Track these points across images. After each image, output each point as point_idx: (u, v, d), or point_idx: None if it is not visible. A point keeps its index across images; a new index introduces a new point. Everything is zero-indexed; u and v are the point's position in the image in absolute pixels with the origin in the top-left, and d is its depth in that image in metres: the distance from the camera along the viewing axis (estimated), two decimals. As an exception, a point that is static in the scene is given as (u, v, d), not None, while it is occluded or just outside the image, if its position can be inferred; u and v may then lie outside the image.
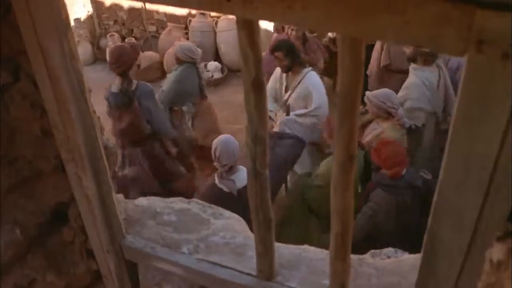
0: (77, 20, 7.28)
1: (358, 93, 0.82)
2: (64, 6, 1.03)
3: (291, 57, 3.97)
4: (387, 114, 3.64)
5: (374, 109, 3.68)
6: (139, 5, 7.28)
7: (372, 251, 1.35)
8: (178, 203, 1.59)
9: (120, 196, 1.57)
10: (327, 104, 4.08)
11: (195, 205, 1.58)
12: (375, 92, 3.74)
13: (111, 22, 7.87)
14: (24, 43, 1.10)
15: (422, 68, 3.88)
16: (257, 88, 0.95)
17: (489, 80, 0.65)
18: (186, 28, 7.11)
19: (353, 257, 1.27)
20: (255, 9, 0.76)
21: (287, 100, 4.11)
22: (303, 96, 4.02)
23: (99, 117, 1.31)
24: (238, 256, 1.36)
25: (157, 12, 7.41)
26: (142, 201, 1.60)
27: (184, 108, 4.51)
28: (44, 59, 1.10)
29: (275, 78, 4.22)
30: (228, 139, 3.22)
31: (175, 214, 1.53)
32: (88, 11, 7.69)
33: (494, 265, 0.78)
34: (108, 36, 7.24)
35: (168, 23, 7.28)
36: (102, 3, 7.77)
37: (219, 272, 1.32)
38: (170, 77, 4.56)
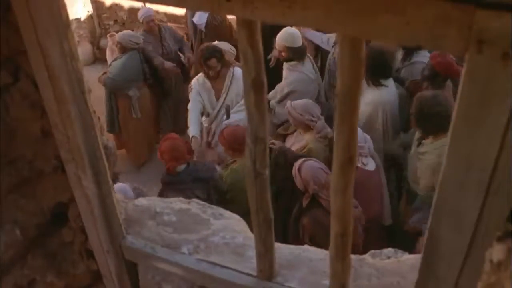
0: (77, 20, 7.27)
1: (358, 93, 0.82)
2: (64, 6, 1.03)
3: (222, 61, 4.03)
4: (307, 127, 3.58)
5: (293, 120, 3.62)
6: (139, 5, 7.26)
7: (372, 251, 1.35)
8: (178, 203, 1.59)
9: (120, 196, 1.57)
10: None
11: (195, 205, 1.58)
12: (295, 102, 3.65)
13: (111, 22, 7.85)
14: (24, 43, 1.10)
15: (302, 63, 4.16)
16: (257, 88, 0.95)
17: (489, 80, 0.65)
18: (186, 28, 7.10)
19: (353, 257, 1.26)
20: (255, 9, 0.76)
21: (223, 102, 4.10)
22: (239, 93, 4.03)
23: (99, 117, 1.31)
24: (238, 256, 1.36)
25: (157, 12, 7.40)
26: (142, 201, 1.60)
27: (130, 92, 4.87)
28: (44, 59, 1.09)
29: (197, 92, 4.17)
30: (121, 188, 3.03)
31: (175, 214, 1.53)
32: (88, 11, 7.68)
33: (494, 265, 0.77)
34: (108, 36, 7.22)
35: (168, 23, 7.27)
36: (102, 3, 7.75)
37: (219, 272, 1.31)
38: (117, 64, 4.88)
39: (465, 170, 0.76)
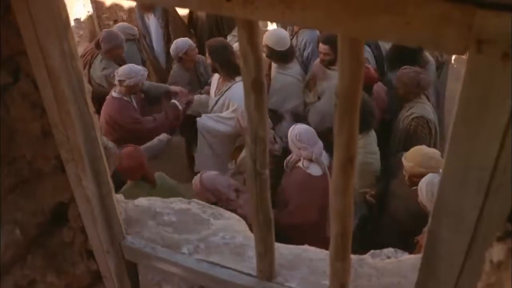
0: (77, 20, 7.26)
1: (358, 93, 0.82)
2: (64, 6, 1.03)
3: (218, 61, 3.76)
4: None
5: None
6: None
7: (372, 251, 1.35)
8: (178, 203, 1.59)
9: (120, 196, 1.57)
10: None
11: (195, 205, 1.58)
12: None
13: (111, 22, 7.84)
14: (24, 43, 1.10)
15: (289, 66, 4.00)
16: (257, 88, 0.95)
17: (489, 80, 0.65)
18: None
19: (353, 257, 1.26)
20: (255, 9, 0.76)
21: (214, 104, 3.94)
22: (226, 105, 3.82)
23: (98, 117, 1.31)
24: (238, 256, 1.36)
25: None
26: (142, 201, 1.60)
27: None
28: (44, 59, 1.09)
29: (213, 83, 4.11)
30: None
31: (175, 214, 1.53)
32: (88, 11, 7.67)
33: (494, 265, 0.77)
34: (108, 36, 7.22)
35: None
36: (102, 3, 7.75)
37: (219, 272, 1.32)
38: None
39: (465, 170, 0.76)
